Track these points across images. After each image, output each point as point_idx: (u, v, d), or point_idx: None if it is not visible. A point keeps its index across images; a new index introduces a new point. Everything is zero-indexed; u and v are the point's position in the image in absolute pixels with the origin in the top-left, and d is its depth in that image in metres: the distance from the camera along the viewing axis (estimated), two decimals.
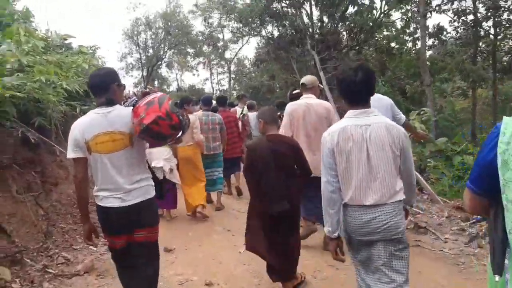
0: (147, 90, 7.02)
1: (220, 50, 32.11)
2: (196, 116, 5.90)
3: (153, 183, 2.58)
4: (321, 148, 2.30)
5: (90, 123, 2.36)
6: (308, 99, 4.12)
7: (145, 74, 33.16)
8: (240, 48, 33.43)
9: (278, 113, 7.07)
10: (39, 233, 3.86)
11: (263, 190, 3.04)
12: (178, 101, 6.08)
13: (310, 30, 15.21)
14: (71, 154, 2.39)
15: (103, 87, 2.39)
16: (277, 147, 3.04)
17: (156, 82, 37.44)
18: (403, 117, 4.21)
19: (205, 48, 33.63)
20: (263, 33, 16.58)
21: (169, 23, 31.26)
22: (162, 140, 2.42)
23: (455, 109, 17.64)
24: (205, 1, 28.92)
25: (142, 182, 2.46)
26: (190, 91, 34.61)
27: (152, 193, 2.53)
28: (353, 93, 2.24)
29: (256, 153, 3.08)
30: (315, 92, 4.25)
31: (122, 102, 2.72)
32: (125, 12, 37.13)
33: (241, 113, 8.72)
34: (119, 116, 2.38)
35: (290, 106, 4.17)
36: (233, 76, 33.92)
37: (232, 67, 34.61)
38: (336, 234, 2.22)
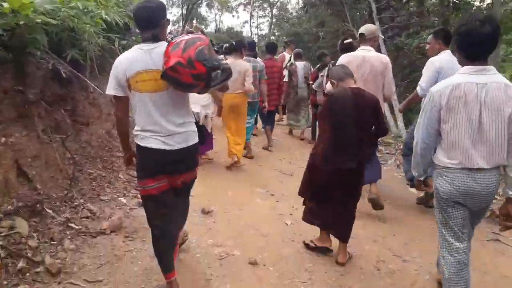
0: (192, 29, 6.39)
1: None
2: (250, 63, 5.53)
3: (195, 129, 2.46)
4: (424, 104, 2.27)
5: (133, 59, 2.22)
6: (366, 51, 3.88)
7: (184, 12, 32.06)
8: None
9: (318, 65, 6.85)
10: (64, 179, 3.51)
11: (336, 142, 2.92)
12: (218, 44, 5.55)
13: None
14: (111, 91, 2.29)
15: (152, 22, 2.21)
16: (359, 100, 2.91)
17: (194, 21, 36.39)
18: None
19: None
20: None
21: None
22: (184, 88, 2.22)
23: None
24: None
25: (185, 126, 2.35)
26: (229, 33, 33.70)
27: (195, 138, 2.42)
28: (475, 47, 2.11)
29: (338, 103, 2.94)
30: (374, 43, 4.01)
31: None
32: None
33: (289, 60, 8.13)
34: (162, 54, 2.16)
35: (344, 58, 3.88)
36: (273, 20, 32.32)
37: (274, 11, 32.95)
38: (422, 178, 2.46)
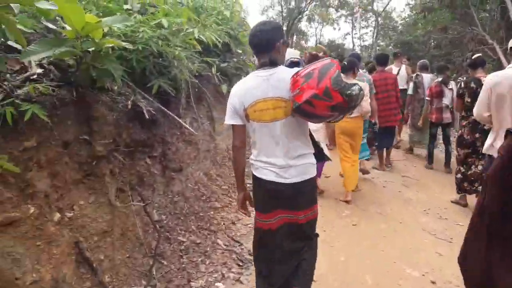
0: (316, 52, 5.54)
1: None
2: (367, 83, 5.11)
3: (314, 161, 2.19)
4: None
5: (250, 87, 2.08)
6: None
7: (285, 28, 31.67)
8: None
9: (441, 79, 6.00)
10: (145, 257, 2.57)
11: None
12: (345, 64, 4.49)
13: None
14: (229, 120, 2.18)
15: (268, 46, 2.03)
16: None
17: (295, 37, 35.90)
18: None
19: None
20: None
21: None
22: (316, 119, 2.10)
23: None
24: None
25: (303, 158, 2.13)
26: (330, 46, 32.37)
27: (312, 172, 2.17)
28: None
29: None
30: None
31: None
32: None
33: (396, 74, 7.17)
34: (282, 80, 2.02)
35: (492, 78, 3.11)
36: (377, 30, 30.09)
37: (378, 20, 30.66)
38: None
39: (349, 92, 1.78)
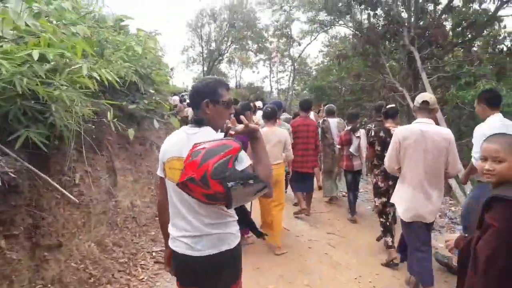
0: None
1: (289, 43, 29.83)
2: (287, 130, 5.15)
3: (235, 230, 1.83)
4: None
5: (172, 142, 1.89)
6: (423, 125, 3.19)
7: (205, 69, 31.61)
8: (308, 44, 30.86)
9: (350, 127, 6.03)
10: None
11: None
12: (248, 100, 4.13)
13: (407, 21, 12.25)
14: (159, 171, 1.96)
15: (195, 103, 1.87)
16: None
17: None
18: None
19: (270, 42, 31.59)
20: (350, 23, 13.95)
21: (235, 15, 29.38)
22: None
23: None
24: None
25: (218, 227, 1.77)
26: (249, 89, 32.99)
27: (231, 243, 1.80)
28: None
29: None
30: (433, 116, 3.37)
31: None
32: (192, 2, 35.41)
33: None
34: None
35: (400, 132, 3.26)
36: (293, 75, 31.53)
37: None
38: None
39: (231, 185, 1.48)
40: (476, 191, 3.54)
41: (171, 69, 13.88)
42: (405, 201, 3.21)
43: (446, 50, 12.18)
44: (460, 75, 10.87)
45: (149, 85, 6.03)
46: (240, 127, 1.66)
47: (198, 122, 1.83)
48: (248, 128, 1.66)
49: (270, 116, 4.66)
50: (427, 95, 3.35)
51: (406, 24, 11.99)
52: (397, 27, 12.03)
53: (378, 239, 4.76)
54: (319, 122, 6.94)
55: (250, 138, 1.71)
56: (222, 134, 1.74)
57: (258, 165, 1.66)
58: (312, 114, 7.59)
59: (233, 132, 1.65)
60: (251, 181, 1.54)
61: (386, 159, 3.36)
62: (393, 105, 4.77)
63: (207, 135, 1.75)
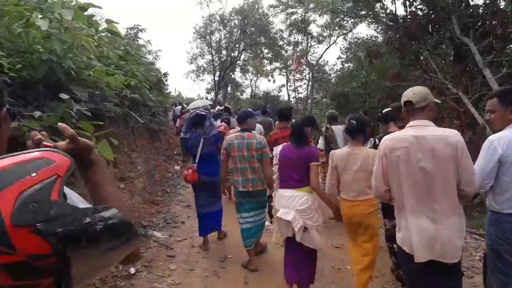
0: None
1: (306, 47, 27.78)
2: (261, 140, 4.07)
3: None
4: None
5: None
6: (418, 129, 2.35)
7: (217, 78, 29.57)
8: (326, 49, 28.60)
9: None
10: None
11: None
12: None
13: (454, 9, 9.68)
14: None
15: None
16: None
17: (229, 88, 34.04)
18: None
19: (286, 49, 29.59)
20: (382, 13, 11.57)
21: (246, 20, 27.33)
22: None
23: None
24: None
25: None
26: (265, 98, 30.86)
27: None
28: None
29: None
30: (429, 114, 2.44)
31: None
32: (197, 9, 33.22)
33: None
34: None
35: (385, 142, 2.46)
36: (311, 83, 29.36)
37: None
38: None
39: (64, 236, 0.68)
40: (493, 225, 2.54)
41: (164, 74, 11.89)
42: (410, 236, 2.30)
43: (507, 41, 9.58)
44: None
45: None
46: (61, 143, 0.88)
47: None
48: (75, 145, 0.89)
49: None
50: (409, 92, 2.49)
51: (455, 11, 9.46)
52: (442, 15, 9.51)
53: (393, 271, 3.82)
54: (321, 130, 6.27)
55: (80, 164, 0.93)
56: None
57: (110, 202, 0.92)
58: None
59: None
60: (111, 222, 0.76)
61: (372, 181, 2.54)
62: (390, 108, 4.24)
63: None
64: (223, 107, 10.84)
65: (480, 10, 9.57)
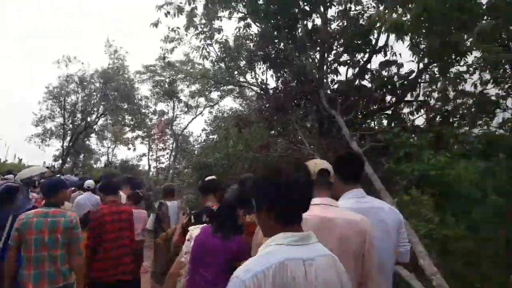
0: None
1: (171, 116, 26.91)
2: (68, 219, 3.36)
3: None
4: None
5: None
6: (327, 209, 1.97)
7: (66, 145, 25.66)
8: (192, 119, 28.29)
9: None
10: None
11: None
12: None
13: (320, 83, 10.05)
14: None
15: None
16: None
17: (81, 156, 30.26)
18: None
19: (150, 118, 28.26)
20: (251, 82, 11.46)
21: (108, 84, 25.32)
22: None
23: None
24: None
25: None
26: (122, 167, 27.84)
27: None
28: None
29: None
30: (331, 190, 2.14)
31: None
32: (55, 68, 29.59)
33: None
34: None
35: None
36: (174, 153, 28.30)
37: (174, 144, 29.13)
38: None
39: None
40: None
41: None
42: None
43: (369, 115, 10.23)
44: (394, 144, 8.47)
45: None
46: None
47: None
48: None
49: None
50: (323, 162, 2.21)
51: (322, 85, 9.76)
52: (313, 88, 9.73)
53: None
54: (154, 207, 5.49)
55: None
56: None
57: None
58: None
59: None
60: None
61: None
62: (214, 177, 4.08)
63: None
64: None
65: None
